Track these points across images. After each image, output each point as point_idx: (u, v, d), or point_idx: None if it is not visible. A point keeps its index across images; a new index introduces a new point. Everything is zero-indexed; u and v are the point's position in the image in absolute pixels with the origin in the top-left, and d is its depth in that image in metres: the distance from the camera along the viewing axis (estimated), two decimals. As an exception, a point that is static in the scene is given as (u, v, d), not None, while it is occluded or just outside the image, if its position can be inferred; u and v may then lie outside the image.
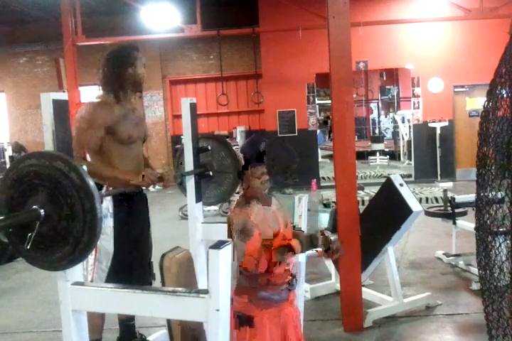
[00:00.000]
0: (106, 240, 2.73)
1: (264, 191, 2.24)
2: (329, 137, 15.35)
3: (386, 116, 17.27)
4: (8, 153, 10.45)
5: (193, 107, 3.02)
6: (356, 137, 14.74)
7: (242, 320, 2.21)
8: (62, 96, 1.89)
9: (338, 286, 4.13)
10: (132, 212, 2.88)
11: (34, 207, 1.70)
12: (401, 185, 3.95)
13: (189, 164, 3.01)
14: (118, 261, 2.79)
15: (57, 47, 11.16)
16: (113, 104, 2.84)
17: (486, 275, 2.39)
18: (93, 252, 2.68)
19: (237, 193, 2.42)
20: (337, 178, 3.73)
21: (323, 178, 11.37)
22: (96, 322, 2.77)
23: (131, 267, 2.89)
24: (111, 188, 2.70)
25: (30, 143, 12.40)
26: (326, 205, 8.41)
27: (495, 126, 2.23)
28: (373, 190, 8.14)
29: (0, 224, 1.64)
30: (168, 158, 12.68)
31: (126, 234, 2.84)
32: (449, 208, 5.05)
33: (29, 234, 1.69)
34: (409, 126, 12.03)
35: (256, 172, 2.18)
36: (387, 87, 16.70)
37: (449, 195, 5.37)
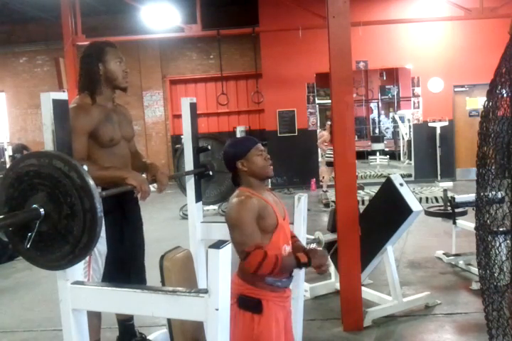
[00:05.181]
0: (99, 241, 2.68)
1: (270, 169, 2.26)
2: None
3: (387, 116, 17.27)
4: (8, 152, 10.44)
5: (193, 107, 3.01)
6: (356, 137, 14.76)
7: (246, 304, 2.16)
8: (62, 96, 1.88)
9: (337, 286, 4.14)
10: (124, 211, 2.82)
11: (34, 206, 1.70)
12: (401, 184, 3.95)
13: (189, 164, 3.01)
14: (112, 261, 2.75)
15: (57, 47, 11.16)
16: (89, 106, 2.65)
17: (486, 274, 2.39)
18: None
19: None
20: (337, 178, 3.73)
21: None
22: (94, 322, 2.73)
23: (127, 267, 2.85)
24: (100, 188, 2.49)
25: (31, 143, 12.38)
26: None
27: (495, 125, 2.23)
28: (373, 190, 8.16)
29: (0, 223, 1.64)
30: (168, 157, 12.69)
31: (119, 234, 2.79)
32: (449, 208, 5.06)
33: (29, 234, 1.70)
34: (409, 126, 12.05)
35: (256, 151, 2.23)
36: (387, 86, 16.71)
37: (449, 194, 5.37)
